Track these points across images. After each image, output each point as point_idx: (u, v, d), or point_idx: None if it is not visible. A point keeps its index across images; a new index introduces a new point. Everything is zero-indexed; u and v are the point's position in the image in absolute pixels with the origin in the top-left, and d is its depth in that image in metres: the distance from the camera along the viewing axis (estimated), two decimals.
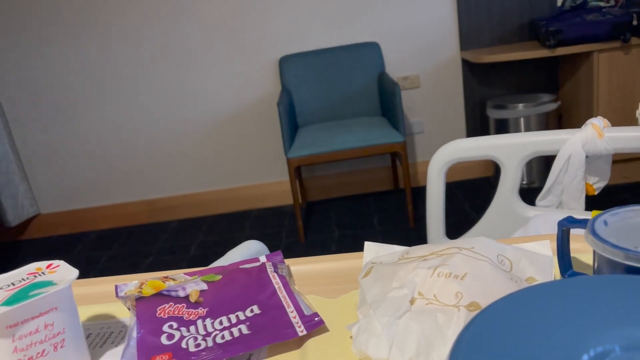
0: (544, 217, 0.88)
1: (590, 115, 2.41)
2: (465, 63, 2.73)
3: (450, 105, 2.83)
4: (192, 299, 0.47)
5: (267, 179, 2.93)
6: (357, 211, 2.73)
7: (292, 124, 2.57)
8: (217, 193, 2.94)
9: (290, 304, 0.46)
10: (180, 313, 0.46)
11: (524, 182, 2.61)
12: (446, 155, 0.99)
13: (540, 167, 2.60)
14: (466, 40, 2.68)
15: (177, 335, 0.43)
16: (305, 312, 0.45)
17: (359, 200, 2.86)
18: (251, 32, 2.70)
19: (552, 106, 2.50)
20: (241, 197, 2.95)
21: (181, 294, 0.48)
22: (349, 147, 2.36)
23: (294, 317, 0.44)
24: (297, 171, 2.70)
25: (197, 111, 2.82)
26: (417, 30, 2.69)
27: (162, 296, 0.47)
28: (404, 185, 2.86)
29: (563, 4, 2.54)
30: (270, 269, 0.51)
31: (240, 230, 2.70)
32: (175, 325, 0.44)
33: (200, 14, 2.67)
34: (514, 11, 2.65)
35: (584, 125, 0.90)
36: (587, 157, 0.91)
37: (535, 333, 0.31)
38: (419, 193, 2.82)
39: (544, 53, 2.34)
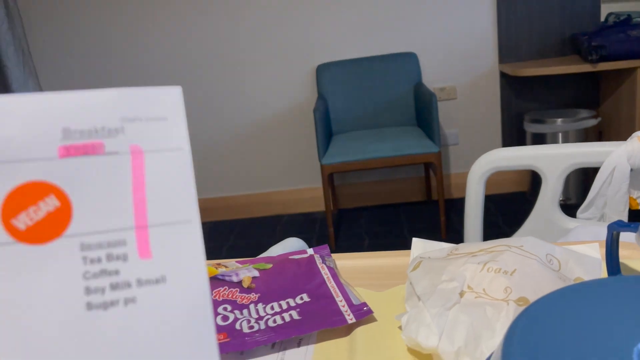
0: (585, 229, 0.88)
1: (632, 132, 2.36)
2: (503, 76, 2.71)
3: (486, 118, 2.81)
4: (245, 285, 0.49)
5: (300, 185, 2.96)
6: (388, 221, 2.73)
7: (326, 131, 2.60)
8: (250, 197, 2.98)
9: (339, 294, 0.48)
10: (234, 297, 0.48)
11: (561, 199, 2.57)
12: (487, 164, 0.99)
13: (578, 183, 2.55)
14: (505, 52, 2.66)
15: (232, 317, 0.45)
16: (354, 302, 0.47)
17: (391, 210, 2.86)
18: (290, 39, 2.75)
19: (592, 122, 2.46)
20: (273, 202, 2.98)
21: (234, 279, 0.50)
22: (383, 156, 2.37)
23: (343, 306, 0.46)
24: (329, 178, 2.72)
25: (233, 115, 2.87)
26: (455, 42, 2.69)
27: (216, 280, 0.50)
28: (436, 197, 2.85)
29: (606, 19, 2.51)
30: (318, 261, 0.53)
31: (271, 235, 2.73)
32: (229, 307, 0.47)
33: (240, 21, 2.73)
34: (556, 25, 2.63)
35: (629, 138, 0.90)
36: (631, 170, 0.90)
37: (588, 326, 0.31)
38: (452, 205, 2.80)
39: (585, 68, 2.31)
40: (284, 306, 0.47)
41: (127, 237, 0.23)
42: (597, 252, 0.45)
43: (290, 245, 0.81)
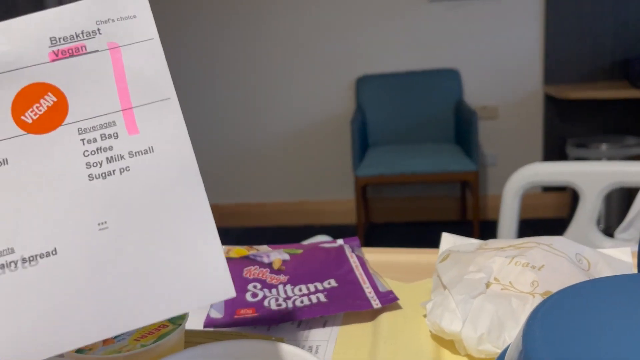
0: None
1: None
2: (548, 97, 2.67)
3: (527, 140, 2.76)
4: (275, 266, 0.51)
5: (332, 196, 2.97)
6: (420, 238, 2.70)
7: (363, 143, 2.61)
8: (282, 205, 3.01)
9: (367, 281, 0.49)
10: (263, 276, 0.49)
11: (601, 226, 2.49)
12: (523, 178, 0.99)
13: (621, 210, 2.47)
14: (551, 74, 2.63)
15: (261, 294, 0.47)
16: (381, 289, 0.47)
17: (423, 228, 2.84)
18: (332, 50, 2.79)
19: (639, 150, 2.39)
20: (305, 211, 3.00)
21: (265, 260, 0.51)
22: (419, 171, 2.36)
23: (370, 292, 0.47)
24: (362, 190, 2.73)
25: (272, 123, 2.92)
26: (499, 60, 2.67)
27: (248, 260, 0.51)
28: (471, 217, 2.81)
29: None
30: (348, 250, 0.54)
31: None
32: (259, 286, 0.48)
33: (284, 30, 2.79)
34: (606, 49, 2.58)
35: None
36: None
37: (610, 318, 0.31)
38: (487, 227, 2.76)
39: (634, 93, 2.25)
40: (312, 289, 0.48)
41: (116, 119, 0.28)
42: (628, 257, 0.45)
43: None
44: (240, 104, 2.92)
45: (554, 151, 2.74)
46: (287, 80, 2.85)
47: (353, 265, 0.51)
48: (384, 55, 2.76)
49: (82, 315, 0.27)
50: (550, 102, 2.66)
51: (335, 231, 2.86)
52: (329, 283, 0.49)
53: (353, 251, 0.54)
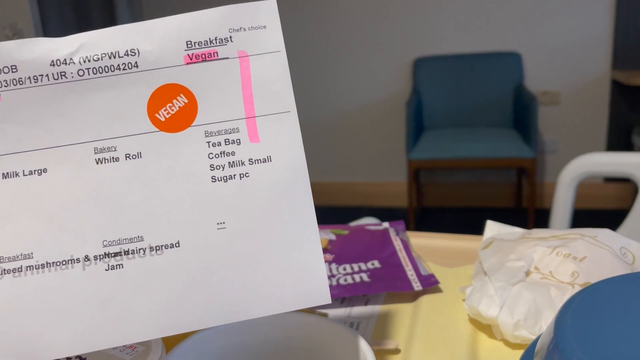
0: None
1: None
2: (615, 83, 2.54)
3: (590, 127, 2.65)
4: (321, 245, 0.53)
5: (384, 178, 2.97)
6: (472, 224, 2.67)
7: (417, 125, 2.59)
8: (333, 185, 3.04)
9: (409, 264, 0.50)
10: None
11: None
12: (579, 168, 0.96)
13: None
14: (620, 59, 2.49)
15: None
16: (422, 272, 0.49)
17: (476, 214, 2.80)
18: (389, 30, 2.76)
19: None
20: (356, 193, 3.02)
21: None
22: (474, 156, 2.32)
23: (412, 275, 0.49)
24: (415, 174, 2.71)
25: (327, 102, 2.94)
26: (564, 44, 2.56)
27: None
28: (526, 205, 2.75)
29: None
30: (392, 233, 0.56)
31: None
32: None
33: (341, 10, 2.78)
34: None
35: None
36: None
37: None
38: (542, 216, 2.69)
39: None
40: (356, 269, 0.50)
41: (240, 126, 0.30)
42: None
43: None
44: (294, 84, 2.95)
45: (619, 140, 2.61)
46: (343, 60, 2.85)
47: (397, 248, 0.53)
48: (442, 36, 2.70)
49: (195, 303, 0.29)
50: (618, 89, 2.53)
51: (386, 214, 2.87)
52: (373, 264, 0.51)
53: (397, 234, 0.56)
